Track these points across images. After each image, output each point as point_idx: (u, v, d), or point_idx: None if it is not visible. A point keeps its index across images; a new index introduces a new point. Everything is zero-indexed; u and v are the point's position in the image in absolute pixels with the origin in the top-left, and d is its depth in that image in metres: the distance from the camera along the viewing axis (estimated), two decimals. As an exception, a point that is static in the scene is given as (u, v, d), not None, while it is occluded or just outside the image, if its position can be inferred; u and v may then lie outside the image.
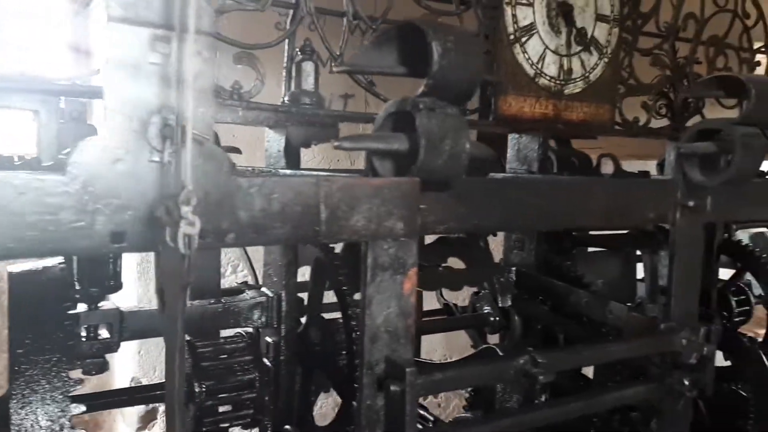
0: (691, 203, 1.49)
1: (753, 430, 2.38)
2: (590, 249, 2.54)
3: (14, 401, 1.12)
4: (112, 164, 0.70)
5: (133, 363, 4.20)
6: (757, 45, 2.51)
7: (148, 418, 4.38)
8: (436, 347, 4.44)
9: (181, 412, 0.68)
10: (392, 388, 1.07)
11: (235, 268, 4.08)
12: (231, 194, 0.78)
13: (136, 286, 3.90)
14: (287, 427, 1.61)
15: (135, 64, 0.68)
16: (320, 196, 0.85)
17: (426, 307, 2.53)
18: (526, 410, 1.31)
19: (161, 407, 4.28)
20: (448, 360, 4.96)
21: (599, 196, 1.39)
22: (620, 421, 2.04)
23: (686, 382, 1.43)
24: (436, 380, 1.11)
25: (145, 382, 4.17)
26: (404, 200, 0.97)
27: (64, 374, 1.18)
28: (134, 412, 4.34)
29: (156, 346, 4.03)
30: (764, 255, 2.53)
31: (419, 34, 0.94)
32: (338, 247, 1.65)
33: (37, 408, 1.14)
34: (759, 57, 2.53)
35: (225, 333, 1.70)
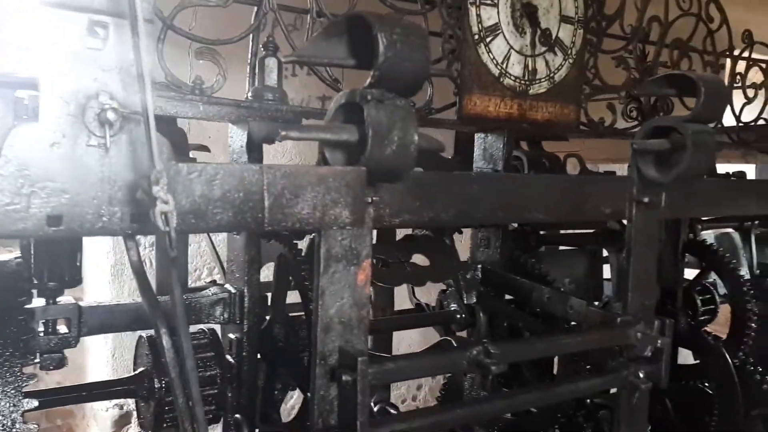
0: (646, 199, 1.52)
1: (716, 425, 2.43)
2: (559, 248, 2.57)
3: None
4: (48, 148, 0.71)
5: (107, 367, 4.16)
6: (721, 49, 2.57)
7: (122, 423, 4.33)
8: (414, 348, 4.45)
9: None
10: (344, 377, 1.08)
11: (211, 270, 4.06)
12: (172, 180, 0.78)
13: (110, 288, 3.87)
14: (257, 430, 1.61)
15: (73, 50, 0.69)
16: (263, 183, 0.86)
17: (399, 307, 2.55)
18: (479, 401, 1.33)
19: (135, 411, 4.24)
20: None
21: (553, 192, 1.41)
22: (585, 416, 2.07)
23: (641, 375, 1.45)
24: (388, 370, 1.12)
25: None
26: (350, 189, 0.98)
27: (16, 369, 1.17)
28: (108, 416, 4.29)
29: (129, 349, 3.99)
30: (727, 254, 2.59)
31: (367, 27, 0.95)
32: (302, 244, 1.66)
33: (-11, 401, 1.13)
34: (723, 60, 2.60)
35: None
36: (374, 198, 1.10)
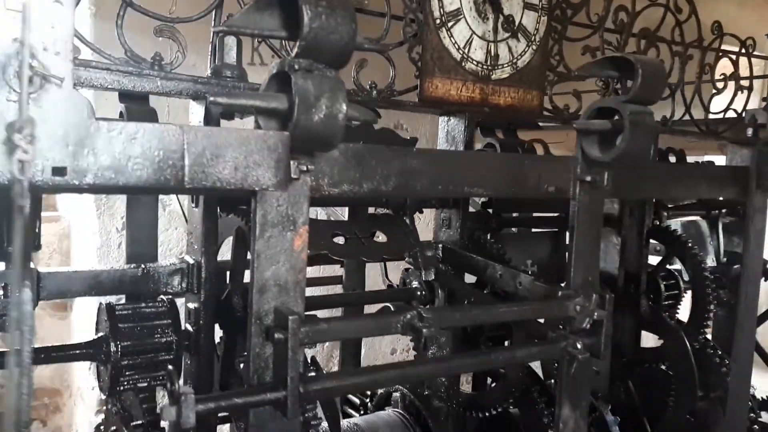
0: (588, 178, 1.58)
1: (674, 407, 2.49)
2: (524, 231, 2.63)
3: None
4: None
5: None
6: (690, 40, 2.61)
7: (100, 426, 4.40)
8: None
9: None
10: (277, 335, 1.14)
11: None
12: (91, 136, 0.84)
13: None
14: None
15: (-3, 11, 0.74)
16: (183, 142, 0.92)
17: (370, 288, 2.61)
18: (412, 363, 1.38)
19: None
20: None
21: (494, 168, 1.47)
22: (539, 392, 2.14)
23: (579, 346, 1.51)
24: (320, 330, 1.18)
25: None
26: (272, 152, 1.03)
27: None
28: (94, 395, 4.36)
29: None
30: (690, 241, 2.65)
31: (295, -1, 1.00)
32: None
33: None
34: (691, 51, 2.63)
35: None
36: (309, 167, 1.15)
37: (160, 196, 1.98)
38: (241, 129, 1.01)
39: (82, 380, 4.47)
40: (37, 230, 1.51)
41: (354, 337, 1.41)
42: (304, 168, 1.14)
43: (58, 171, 0.79)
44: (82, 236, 4.21)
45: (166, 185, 0.89)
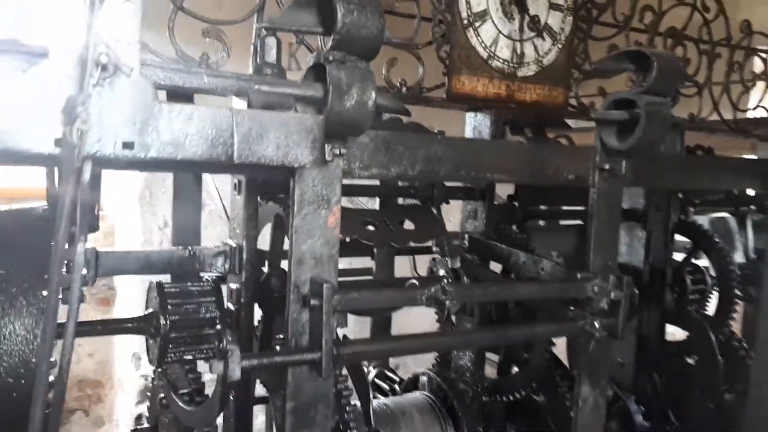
0: (607, 166, 1.66)
1: (698, 399, 2.53)
2: (550, 223, 2.70)
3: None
4: (57, 85, 0.91)
5: (135, 339, 4.42)
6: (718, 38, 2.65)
7: (147, 392, 4.59)
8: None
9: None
10: (313, 302, 1.26)
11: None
12: (155, 116, 0.97)
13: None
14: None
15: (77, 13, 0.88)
16: (233, 122, 1.04)
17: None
18: (435, 335, 1.48)
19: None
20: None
21: (515, 155, 1.56)
22: (561, 376, 2.21)
23: (597, 325, 1.59)
24: (351, 298, 1.29)
25: (144, 357, 4.40)
26: (309, 133, 1.16)
27: (38, 293, 1.38)
28: (134, 386, 4.56)
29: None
30: (716, 236, 2.68)
31: (330, -2, 1.12)
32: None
33: (14, 320, 1.34)
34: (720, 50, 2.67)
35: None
36: (342, 150, 1.27)
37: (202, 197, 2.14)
38: (282, 112, 1.14)
39: (124, 372, 4.68)
40: (96, 212, 1.66)
41: (382, 306, 1.51)
42: (337, 152, 1.26)
43: (127, 145, 0.93)
44: (126, 234, 4.42)
45: (217, 160, 1.02)
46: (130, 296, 4.18)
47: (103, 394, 4.96)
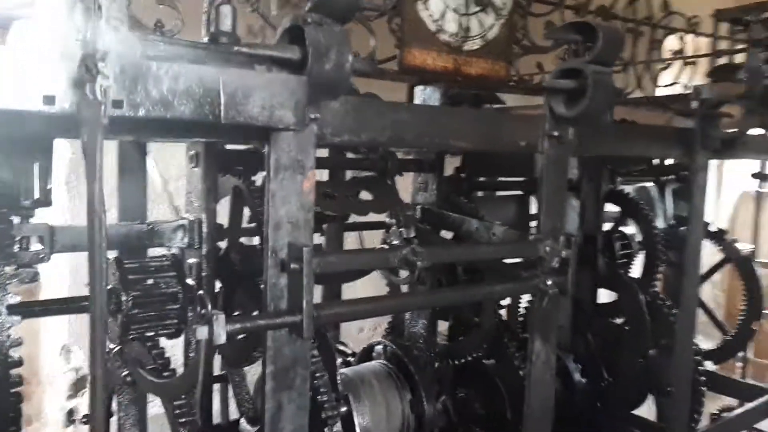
0: (556, 133, 1.76)
1: (628, 354, 2.73)
2: (491, 194, 2.83)
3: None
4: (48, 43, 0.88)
5: (63, 332, 4.23)
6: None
7: (78, 387, 4.41)
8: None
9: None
10: (293, 266, 1.28)
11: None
12: (144, 74, 0.95)
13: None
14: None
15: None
16: (220, 82, 1.04)
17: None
18: (409, 295, 1.54)
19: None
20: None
21: (474, 123, 1.63)
22: (509, 338, 2.33)
23: (549, 282, 1.70)
24: (329, 261, 1.32)
25: (75, 349, 4.22)
26: (293, 95, 1.17)
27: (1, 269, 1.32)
28: (64, 380, 4.36)
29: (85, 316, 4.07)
30: (642, 202, 2.89)
31: (307, -38, 1.14)
32: (258, 180, 1.85)
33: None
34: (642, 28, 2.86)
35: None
36: (316, 115, 1.29)
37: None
38: (267, 73, 1.15)
39: (52, 366, 4.46)
40: (48, 187, 1.59)
41: (358, 268, 1.55)
42: (312, 116, 1.28)
43: (117, 103, 0.91)
44: (53, 219, 4.20)
45: (205, 120, 1.01)
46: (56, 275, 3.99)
47: (30, 391, 4.71)
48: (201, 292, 1.16)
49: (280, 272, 1.31)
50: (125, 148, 2.06)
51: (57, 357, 4.38)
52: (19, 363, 1.29)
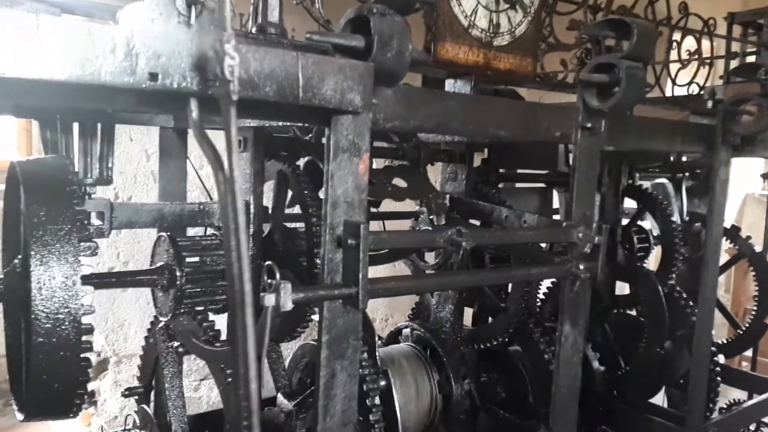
0: (589, 125, 1.84)
1: (646, 344, 2.81)
2: (514, 187, 2.91)
3: (34, 260, 1.34)
4: (150, 22, 0.96)
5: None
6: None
7: (99, 369, 4.49)
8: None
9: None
10: (350, 241, 1.36)
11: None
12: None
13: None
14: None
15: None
16: (299, 66, 1.13)
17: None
18: (449, 274, 1.62)
19: (112, 358, 4.42)
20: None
21: (513, 113, 1.72)
22: (534, 323, 2.41)
23: (581, 267, 1.78)
24: (383, 238, 1.40)
25: (96, 333, 4.30)
26: (361, 80, 1.25)
27: (75, 240, 1.40)
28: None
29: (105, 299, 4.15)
30: (660, 197, 2.97)
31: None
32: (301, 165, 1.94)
33: (53, 266, 1.36)
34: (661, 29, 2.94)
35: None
36: (374, 101, 1.38)
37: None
38: (340, 59, 1.23)
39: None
40: (110, 165, 1.68)
41: (408, 246, 1.63)
42: (372, 101, 1.36)
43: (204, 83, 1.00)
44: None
45: (286, 100, 1.10)
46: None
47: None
48: (269, 262, 1.24)
49: (336, 248, 1.39)
50: (166, 135, 2.15)
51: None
52: (90, 330, 1.37)
